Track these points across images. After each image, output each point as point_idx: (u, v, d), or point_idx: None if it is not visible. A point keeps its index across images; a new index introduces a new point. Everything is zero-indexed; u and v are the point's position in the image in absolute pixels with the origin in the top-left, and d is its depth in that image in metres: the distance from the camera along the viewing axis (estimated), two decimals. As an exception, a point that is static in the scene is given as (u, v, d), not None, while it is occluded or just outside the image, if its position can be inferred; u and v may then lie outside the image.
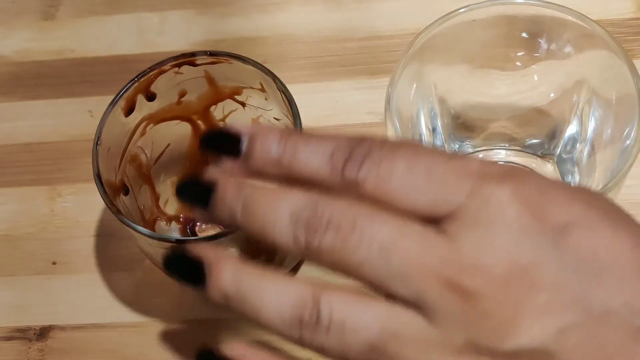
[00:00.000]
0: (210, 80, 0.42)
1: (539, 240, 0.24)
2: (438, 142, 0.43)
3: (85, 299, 0.45)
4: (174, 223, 0.44)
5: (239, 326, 0.43)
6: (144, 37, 0.53)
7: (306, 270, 0.44)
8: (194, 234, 0.44)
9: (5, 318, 0.45)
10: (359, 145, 0.25)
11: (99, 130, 0.38)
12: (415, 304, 0.24)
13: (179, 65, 0.40)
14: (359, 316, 0.25)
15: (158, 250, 0.37)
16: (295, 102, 0.38)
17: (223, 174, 0.28)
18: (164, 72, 0.40)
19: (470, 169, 0.24)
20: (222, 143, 0.27)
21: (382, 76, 0.49)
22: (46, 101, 0.52)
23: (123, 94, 0.39)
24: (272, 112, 0.42)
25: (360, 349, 0.25)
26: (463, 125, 0.43)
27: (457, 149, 0.44)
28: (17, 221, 0.48)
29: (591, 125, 0.40)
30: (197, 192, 0.28)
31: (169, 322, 0.44)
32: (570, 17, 0.37)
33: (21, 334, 0.44)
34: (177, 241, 0.36)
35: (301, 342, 0.26)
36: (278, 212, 0.25)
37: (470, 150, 0.44)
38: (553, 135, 0.42)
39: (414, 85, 0.39)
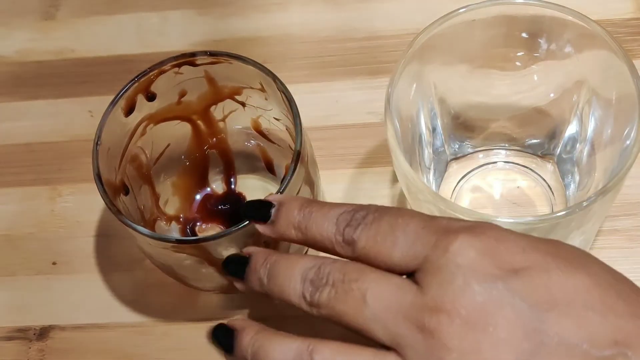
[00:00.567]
0: (210, 80, 0.42)
1: (493, 282, 0.27)
2: (438, 142, 0.43)
3: (85, 299, 0.45)
4: (174, 223, 0.44)
5: (239, 326, 0.43)
6: (144, 37, 0.53)
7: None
8: (193, 234, 0.44)
9: (5, 318, 0.45)
10: (359, 211, 0.31)
11: (99, 130, 0.38)
12: (392, 346, 0.28)
13: (179, 65, 0.40)
14: None
15: (158, 250, 0.37)
16: (295, 102, 0.38)
17: (256, 249, 0.34)
18: (164, 72, 0.40)
19: (438, 225, 0.29)
20: (256, 210, 0.34)
21: (382, 76, 0.49)
22: (46, 101, 0.52)
23: (123, 94, 0.39)
24: (272, 112, 0.42)
25: None
26: (463, 125, 0.43)
27: (457, 149, 0.44)
28: (17, 221, 0.48)
29: (591, 125, 0.40)
30: (235, 267, 0.34)
31: (169, 322, 0.44)
32: (570, 17, 0.37)
33: (21, 334, 0.44)
34: (177, 241, 0.36)
35: None
36: (293, 274, 0.31)
37: (470, 150, 0.44)
38: (553, 135, 0.42)
39: (414, 85, 0.39)
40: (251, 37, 0.52)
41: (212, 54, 0.40)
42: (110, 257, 0.46)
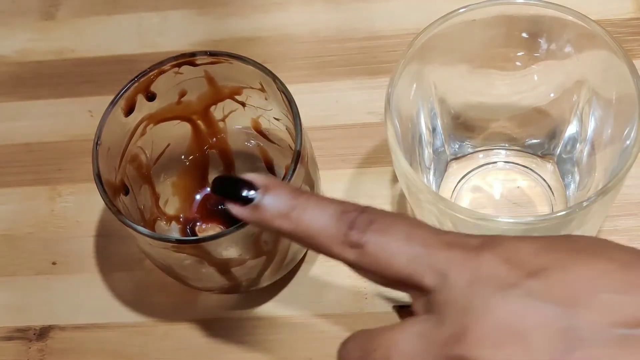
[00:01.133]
0: (210, 80, 0.42)
1: (512, 290, 0.26)
2: (438, 142, 0.43)
3: (85, 299, 0.45)
4: (174, 223, 0.44)
5: (239, 326, 0.43)
6: (144, 37, 0.53)
7: (306, 268, 0.44)
8: (193, 234, 0.44)
9: (5, 318, 0.45)
10: (364, 212, 0.29)
11: (99, 130, 0.38)
12: None
13: (179, 65, 0.40)
14: None
15: (158, 250, 0.37)
16: (295, 102, 0.38)
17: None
18: (164, 72, 0.40)
19: (455, 242, 0.28)
20: (234, 189, 0.30)
21: (382, 76, 0.49)
22: (46, 101, 0.52)
23: (123, 94, 0.39)
24: (272, 112, 0.42)
25: None
26: (463, 125, 0.43)
27: (457, 149, 0.44)
28: (17, 221, 0.48)
29: (591, 125, 0.40)
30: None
31: (169, 322, 0.44)
32: (570, 17, 0.37)
33: (21, 334, 0.44)
34: (177, 241, 0.36)
35: None
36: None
37: (470, 150, 0.44)
38: (553, 135, 0.42)
39: (414, 85, 0.39)
40: (251, 37, 0.52)
41: (212, 54, 0.40)
42: (110, 257, 0.46)
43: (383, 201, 0.45)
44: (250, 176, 0.30)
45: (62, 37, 0.54)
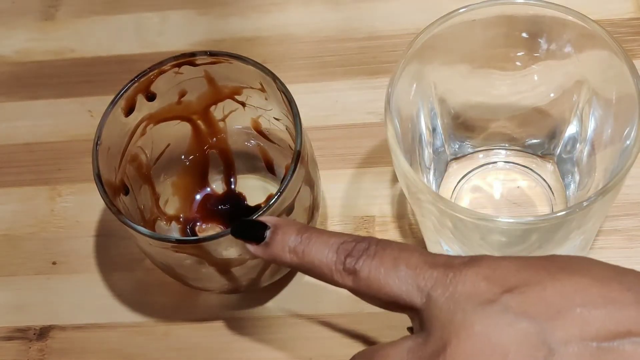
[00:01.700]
0: (210, 80, 0.42)
1: (490, 306, 0.28)
2: (438, 142, 0.43)
3: (85, 299, 0.45)
4: (174, 223, 0.44)
5: (239, 326, 0.43)
6: (144, 37, 0.53)
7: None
8: (193, 234, 0.44)
9: (5, 318, 0.45)
10: (360, 242, 0.31)
11: (99, 130, 0.38)
12: None
13: (179, 65, 0.40)
14: None
15: (158, 250, 0.38)
16: (295, 102, 0.38)
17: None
18: (164, 72, 0.40)
19: (439, 262, 0.30)
20: (250, 231, 0.34)
21: (382, 76, 0.49)
22: (46, 101, 0.52)
23: (123, 94, 0.39)
24: (272, 112, 0.42)
25: None
26: (463, 125, 0.43)
27: (457, 149, 0.44)
28: (17, 221, 0.48)
29: (591, 125, 0.40)
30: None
31: (169, 322, 0.44)
32: (570, 17, 0.37)
33: (21, 334, 0.44)
34: (177, 241, 0.36)
35: None
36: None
37: (470, 150, 0.44)
38: (553, 135, 0.42)
39: (414, 85, 0.39)
40: (251, 37, 0.52)
41: (212, 54, 0.40)
42: (110, 257, 0.46)
43: (383, 201, 0.45)
44: (263, 218, 0.34)
45: (62, 37, 0.54)
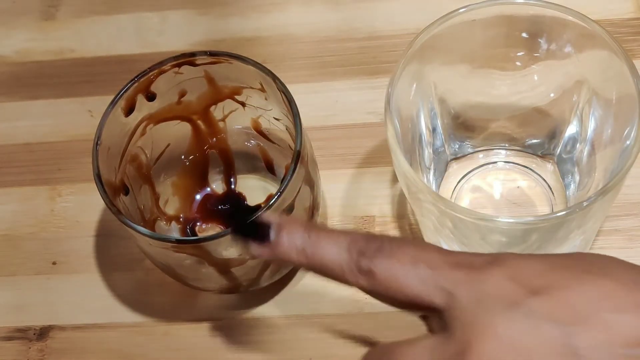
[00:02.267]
0: (210, 80, 0.42)
1: (515, 309, 0.27)
2: (438, 142, 0.43)
3: (85, 299, 0.45)
4: (174, 223, 0.44)
5: (239, 326, 0.43)
6: (144, 37, 0.53)
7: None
8: (193, 234, 0.44)
9: (5, 318, 0.45)
10: (373, 241, 0.30)
11: (99, 130, 0.38)
12: None
13: (179, 65, 0.40)
14: None
15: (158, 250, 0.38)
16: (295, 102, 0.38)
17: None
18: (164, 72, 0.40)
19: (461, 261, 0.29)
20: (253, 232, 0.32)
21: (382, 76, 0.49)
22: (46, 101, 0.52)
23: (123, 94, 0.39)
24: (272, 112, 0.42)
25: None
26: (463, 125, 0.43)
27: (457, 149, 0.44)
28: (17, 221, 0.48)
29: (591, 125, 0.40)
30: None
31: (169, 322, 0.44)
32: (570, 17, 0.37)
33: (21, 334, 0.44)
34: (177, 241, 0.36)
35: None
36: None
37: (470, 150, 0.44)
38: (553, 135, 0.42)
39: (414, 85, 0.39)
40: (251, 37, 0.52)
41: (212, 54, 0.40)
42: (110, 257, 0.46)
43: (383, 201, 0.45)
44: (265, 216, 0.32)
45: (62, 37, 0.54)
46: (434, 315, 0.29)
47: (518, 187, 0.44)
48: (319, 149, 0.43)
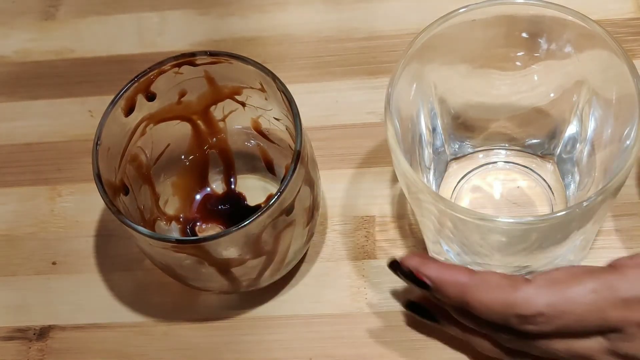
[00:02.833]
0: (210, 80, 0.42)
1: None
2: (438, 142, 0.43)
3: (85, 299, 0.45)
4: (174, 223, 0.44)
5: (239, 326, 0.43)
6: (144, 37, 0.53)
7: (306, 268, 0.44)
8: (193, 234, 0.44)
9: (5, 318, 0.45)
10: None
11: (99, 130, 0.38)
12: None
13: (179, 65, 0.40)
14: None
15: (158, 250, 0.37)
16: (295, 102, 0.38)
17: None
18: (164, 72, 0.40)
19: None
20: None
21: (382, 76, 0.49)
22: (46, 101, 0.52)
23: (123, 94, 0.39)
24: (272, 112, 0.42)
25: None
26: (463, 125, 0.43)
27: (457, 149, 0.44)
28: (17, 221, 0.48)
29: (591, 125, 0.40)
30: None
31: (169, 322, 0.44)
32: (570, 17, 0.37)
33: (21, 334, 0.44)
34: (177, 241, 0.36)
35: None
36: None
37: (470, 150, 0.44)
38: (553, 135, 0.42)
39: (414, 85, 0.39)
40: (251, 37, 0.52)
41: (212, 54, 0.40)
42: (110, 257, 0.46)
43: (383, 201, 0.45)
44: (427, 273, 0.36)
45: (61, 37, 0.54)
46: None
47: (518, 187, 0.44)
48: (319, 149, 0.43)
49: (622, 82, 0.36)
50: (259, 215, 0.35)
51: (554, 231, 0.35)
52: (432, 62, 0.39)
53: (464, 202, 0.43)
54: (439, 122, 0.42)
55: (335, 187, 0.46)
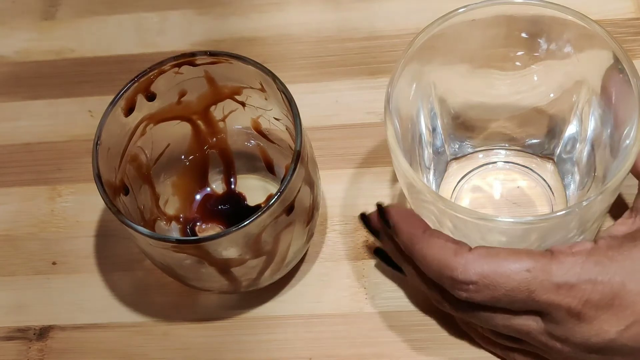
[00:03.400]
0: (210, 80, 0.42)
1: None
2: (438, 142, 0.43)
3: (85, 299, 0.45)
4: (173, 223, 0.44)
5: (239, 326, 0.43)
6: (144, 37, 0.53)
7: (306, 268, 0.44)
8: (193, 234, 0.44)
9: (5, 318, 0.45)
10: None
11: (99, 130, 0.38)
12: None
13: (179, 65, 0.40)
14: None
15: (158, 250, 0.37)
16: (295, 102, 0.38)
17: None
18: (164, 72, 0.40)
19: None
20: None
21: (382, 76, 0.49)
22: (46, 101, 0.52)
23: (123, 94, 0.39)
24: (272, 112, 0.42)
25: None
26: (463, 125, 0.43)
27: (457, 149, 0.44)
28: (17, 221, 0.48)
29: (591, 125, 0.40)
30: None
31: (169, 322, 0.44)
32: (570, 17, 0.37)
33: (21, 334, 0.44)
34: (177, 241, 0.36)
35: None
36: None
37: (470, 150, 0.44)
38: (553, 135, 0.42)
39: (414, 85, 0.39)
40: (251, 37, 0.52)
41: (212, 54, 0.40)
42: (110, 257, 0.46)
43: (383, 201, 0.45)
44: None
45: (61, 37, 0.54)
46: None
47: (518, 187, 0.44)
48: (319, 149, 0.43)
49: (622, 82, 0.36)
50: (259, 215, 0.35)
51: (554, 231, 0.35)
52: (432, 62, 0.39)
53: (464, 202, 0.43)
54: (438, 122, 0.42)
55: (335, 187, 0.46)
